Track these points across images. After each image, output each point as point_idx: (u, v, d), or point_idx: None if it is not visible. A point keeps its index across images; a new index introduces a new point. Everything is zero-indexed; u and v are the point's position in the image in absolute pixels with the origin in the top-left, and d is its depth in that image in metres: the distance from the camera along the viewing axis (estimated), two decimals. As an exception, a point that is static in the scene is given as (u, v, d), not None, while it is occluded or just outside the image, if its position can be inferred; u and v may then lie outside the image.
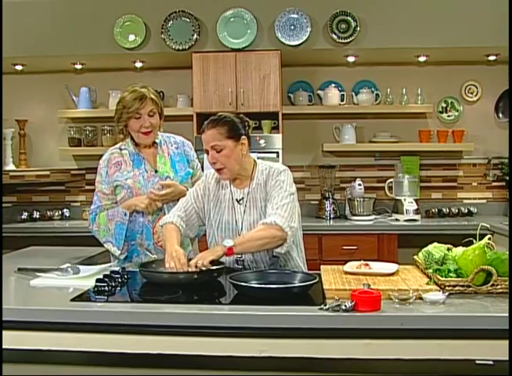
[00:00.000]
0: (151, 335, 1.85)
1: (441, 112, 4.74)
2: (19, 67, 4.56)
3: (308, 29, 4.14)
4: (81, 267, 2.41)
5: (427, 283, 2.03)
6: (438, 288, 1.98)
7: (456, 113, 4.73)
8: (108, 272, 2.23)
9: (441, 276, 2.02)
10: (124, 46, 4.22)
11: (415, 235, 4.10)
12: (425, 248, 2.30)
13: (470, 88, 4.72)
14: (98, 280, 2.12)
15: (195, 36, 4.19)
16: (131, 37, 4.22)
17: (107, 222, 2.70)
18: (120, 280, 2.21)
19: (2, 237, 3.48)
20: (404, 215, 4.34)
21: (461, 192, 4.77)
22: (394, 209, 4.49)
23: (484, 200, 4.74)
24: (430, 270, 2.08)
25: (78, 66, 4.58)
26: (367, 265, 2.27)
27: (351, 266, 2.26)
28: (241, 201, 2.46)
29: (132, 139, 2.77)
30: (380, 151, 4.70)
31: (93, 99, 4.67)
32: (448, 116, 4.74)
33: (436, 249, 2.25)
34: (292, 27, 4.16)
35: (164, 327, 1.84)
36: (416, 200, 4.41)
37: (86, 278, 2.28)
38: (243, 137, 2.41)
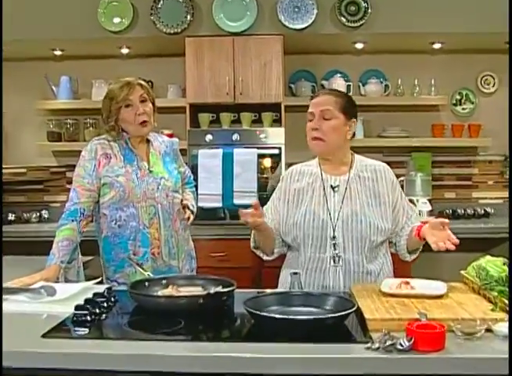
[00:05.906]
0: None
1: (455, 104, 4.43)
2: (-9, 53, 4.15)
3: (314, 11, 3.81)
4: (57, 286, 1.97)
5: (492, 310, 1.63)
6: (508, 316, 1.58)
7: (471, 106, 4.43)
8: (90, 295, 1.81)
9: (510, 300, 1.63)
10: (108, 29, 3.88)
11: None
12: (476, 263, 1.92)
13: (486, 79, 4.42)
14: (77, 308, 1.69)
15: (188, 18, 3.86)
16: (117, 20, 3.89)
17: (57, 242, 2.27)
18: (105, 305, 1.79)
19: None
20: (417, 216, 3.98)
21: (476, 191, 4.48)
22: (406, 210, 4.14)
23: (501, 200, 4.42)
24: (494, 293, 1.69)
25: (58, 53, 4.22)
26: (408, 283, 1.88)
27: (389, 286, 1.86)
28: (336, 189, 2.24)
29: (120, 134, 2.47)
30: (390, 147, 4.36)
31: (75, 90, 4.34)
32: (463, 109, 4.44)
33: (490, 264, 1.87)
34: (296, 9, 3.84)
35: (158, 374, 1.42)
36: (428, 200, 4.08)
37: (63, 302, 1.85)
38: (354, 120, 2.26)
